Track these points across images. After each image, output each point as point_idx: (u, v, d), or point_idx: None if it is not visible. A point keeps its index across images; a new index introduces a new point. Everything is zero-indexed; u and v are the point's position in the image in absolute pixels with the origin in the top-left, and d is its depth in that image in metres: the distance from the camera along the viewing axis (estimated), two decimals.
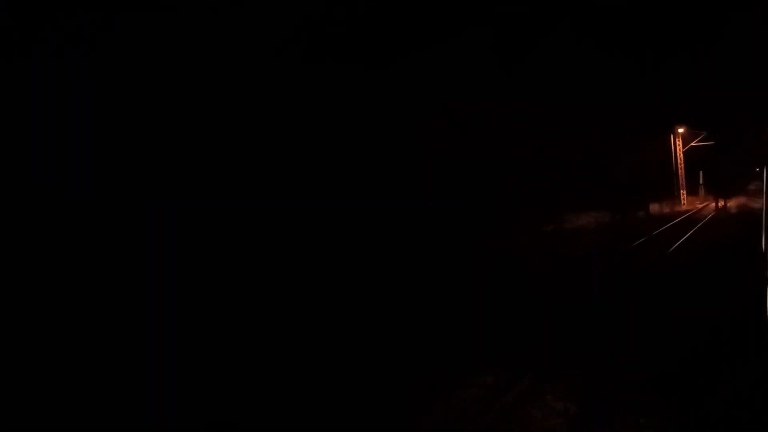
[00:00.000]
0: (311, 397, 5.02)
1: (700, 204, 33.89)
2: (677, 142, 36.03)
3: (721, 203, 29.69)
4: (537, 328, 7.40)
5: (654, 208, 29.56)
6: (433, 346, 6.31)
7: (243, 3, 8.59)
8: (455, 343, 6.52)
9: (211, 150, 8.22)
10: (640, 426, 4.64)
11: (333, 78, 9.62)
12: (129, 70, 7.34)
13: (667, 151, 35.41)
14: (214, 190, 8.12)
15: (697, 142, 36.49)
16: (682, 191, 35.56)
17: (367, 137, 10.44)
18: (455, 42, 12.15)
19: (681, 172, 35.58)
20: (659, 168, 33.10)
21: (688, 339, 6.78)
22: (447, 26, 11.75)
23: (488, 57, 13.69)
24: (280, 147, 9.13)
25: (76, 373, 5.29)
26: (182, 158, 7.92)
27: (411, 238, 10.51)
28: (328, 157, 9.84)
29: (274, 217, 8.62)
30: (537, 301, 8.94)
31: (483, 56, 13.45)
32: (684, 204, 34.28)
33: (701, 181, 39.24)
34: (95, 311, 6.12)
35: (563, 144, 18.91)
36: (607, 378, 5.62)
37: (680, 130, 35.33)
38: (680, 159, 35.68)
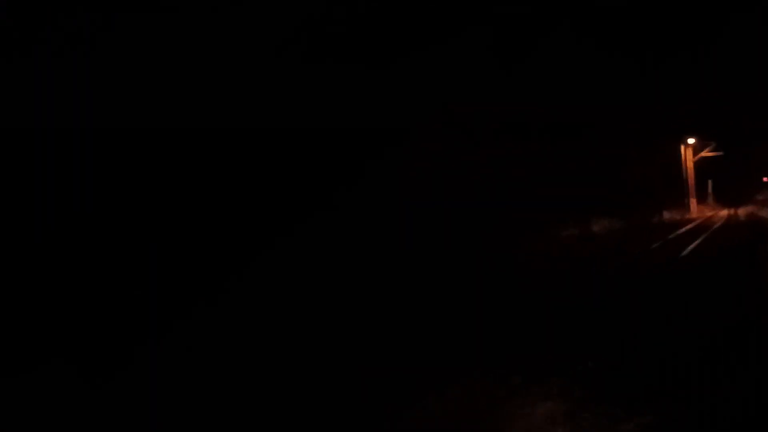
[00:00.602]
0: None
1: (709, 212, 34.83)
2: (687, 152, 37.09)
3: (732, 211, 30.80)
4: (540, 329, 7.40)
5: (666, 215, 30.42)
6: (434, 343, 6.31)
7: (243, 3, 8.60)
8: (457, 341, 6.53)
9: (210, 151, 8.23)
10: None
11: (333, 78, 9.63)
12: (129, 70, 7.34)
13: (677, 160, 36.35)
14: (214, 190, 8.12)
15: (706, 153, 37.47)
16: (692, 199, 36.59)
17: (367, 137, 10.44)
18: (455, 42, 12.15)
19: (691, 181, 36.70)
20: (670, 176, 33.85)
21: (693, 340, 6.76)
22: (447, 26, 11.75)
23: (488, 57, 13.69)
24: (279, 147, 9.14)
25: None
26: (182, 158, 7.92)
27: (409, 239, 10.52)
28: (329, 157, 9.84)
29: (274, 215, 8.63)
30: (543, 303, 8.92)
31: (483, 56, 13.44)
32: (694, 212, 35.21)
33: (710, 190, 40.09)
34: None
35: (573, 149, 18.86)
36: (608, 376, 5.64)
37: (690, 141, 36.41)
38: (690, 168, 36.72)
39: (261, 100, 8.78)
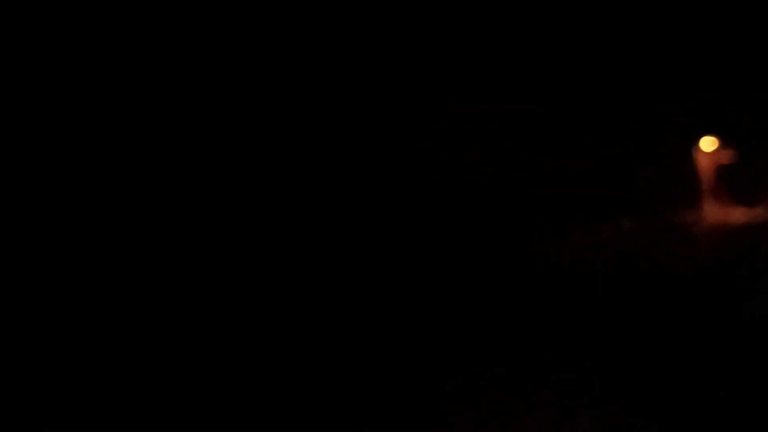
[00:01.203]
0: None
1: (717, 212, 36.24)
2: (694, 153, 38.60)
3: (749, 212, 31.87)
4: (542, 329, 7.39)
5: (672, 215, 31.59)
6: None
7: (243, 3, 8.60)
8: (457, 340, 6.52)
9: (210, 151, 8.23)
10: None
11: (333, 78, 9.63)
12: (129, 70, 7.35)
13: (684, 161, 37.73)
14: (214, 190, 8.12)
15: (713, 153, 38.95)
16: (705, 200, 38.27)
17: (367, 137, 10.44)
18: (455, 42, 12.13)
19: (705, 181, 38.21)
20: (676, 177, 34.93)
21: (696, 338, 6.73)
22: (447, 26, 11.74)
23: (488, 57, 13.67)
24: (279, 147, 9.13)
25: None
26: (182, 159, 7.92)
27: (409, 240, 10.50)
28: (329, 157, 9.83)
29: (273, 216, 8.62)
30: (545, 303, 8.90)
31: (483, 56, 13.43)
32: (707, 214, 36.70)
33: (723, 191, 41.73)
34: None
35: (574, 149, 18.91)
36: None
37: (705, 141, 38.07)
38: (704, 169, 38.21)
39: (261, 100, 8.77)
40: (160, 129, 7.49)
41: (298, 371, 5.53)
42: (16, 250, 6.21)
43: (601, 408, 4.91)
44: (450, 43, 12.02)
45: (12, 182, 6.53)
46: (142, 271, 6.80)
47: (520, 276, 10.65)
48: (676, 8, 12.55)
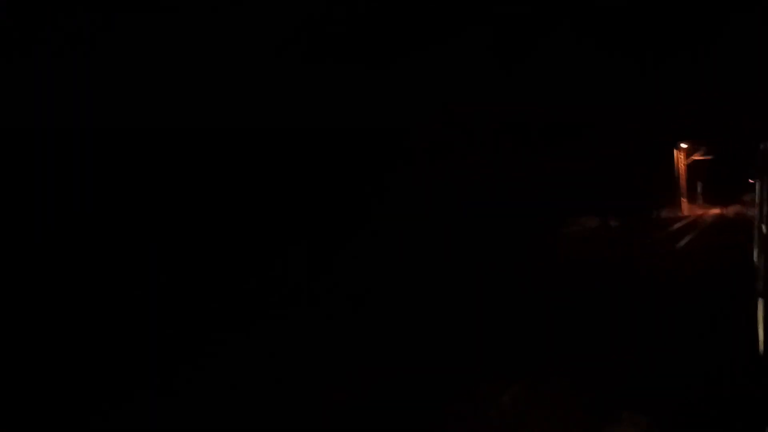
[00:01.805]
0: None
1: (700, 211, 38.06)
2: (680, 155, 40.87)
3: (721, 210, 33.89)
4: (540, 323, 7.45)
5: (660, 214, 33.22)
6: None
7: (243, 3, 8.58)
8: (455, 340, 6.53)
9: (210, 150, 8.22)
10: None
11: (333, 78, 9.62)
12: (129, 70, 7.33)
13: (670, 162, 39.77)
14: (213, 189, 8.11)
15: (697, 156, 41.22)
16: (683, 199, 40.22)
17: (367, 137, 10.44)
18: (455, 42, 12.14)
19: (683, 182, 40.32)
20: (664, 178, 36.70)
21: (681, 340, 6.91)
22: (447, 26, 11.74)
23: (488, 57, 13.67)
24: (279, 147, 9.13)
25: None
26: (182, 158, 7.91)
27: (409, 240, 10.50)
28: (329, 157, 9.83)
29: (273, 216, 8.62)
30: (542, 299, 8.99)
31: (483, 56, 13.43)
32: (686, 211, 38.70)
33: (700, 191, 44.12)
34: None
35: (572, 149, 18.96)
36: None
37: (683, 145, 40.01)
38: (682, 170, 40.39)
39: (261, 100, 8.77)
40: (159, 129, 7.48)
41: (298, 366, 5.52)
42: (16, 250, 6.20)
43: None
44: (450, 43, 12.01)
45: (12, 182, 6.52)
46: (142, 271, 6.79)
47: (519, 271, 10.68)
48: (676, 8, 12.49)
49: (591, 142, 23.87)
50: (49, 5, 7.03)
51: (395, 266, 9.47)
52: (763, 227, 5.81)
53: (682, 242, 17.92)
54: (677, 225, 25.64)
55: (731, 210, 35.68)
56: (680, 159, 41.40)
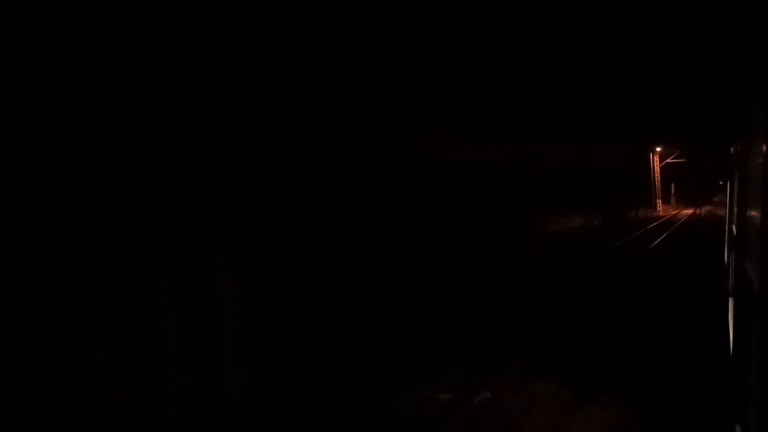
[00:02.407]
0: None
1: (673, 211, 40.73)
2: (655, 159, 43.68)
3: (693, 210, 36.53)
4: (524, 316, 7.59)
5: (636, 213, 35.24)
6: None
7: (243, 2, 8.58)
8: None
9: (208, 152, 8.21)
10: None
11: (333, 78, 9.63)
12: (129, 69, 7.32)
13: (646, 165, 42.46)
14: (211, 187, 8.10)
15: (671, 159, 44.03)
16: (658, 200, 43.34)
17: (367, 137, 10.45)
18: (460, 44, 12.16)
19: (657, 184, 43.49)
20: (639, 180, 39.17)
21: (654, 339, 7.09)
22: (449, 26, 11.76)
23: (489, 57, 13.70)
24: (278, 146, 9.13)
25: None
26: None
27: (409, 240, 10.51)
28: (329, 157, 9.83)
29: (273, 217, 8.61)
30: (526, 292, 9.11)
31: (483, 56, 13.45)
32: (660, 211, 41.13)
33: (673, 192, 47.17)
34: None
35: (553, 154, 19.29)
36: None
37: (658, 149, 43.00)
38: (657, 173, 43.42)
39: (260, 99, 8.76)
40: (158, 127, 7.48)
41: (301, 367, 5.53)
42: (16, 250, 6.20)
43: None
44: (454, 45, 12.02)
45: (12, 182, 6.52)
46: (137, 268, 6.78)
47: (505, 267, 10.70)
48: (676, 8, 12.49)
49: (591, 141, 24.09)
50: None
51: (394, 265, 9.50)
52: (734, 228, 5.85)
53: (657, 240, 18.81)
54: (654, 223, 27.30)
55: (703, 210, 37.91)
56: (654, 162, 43.84)
